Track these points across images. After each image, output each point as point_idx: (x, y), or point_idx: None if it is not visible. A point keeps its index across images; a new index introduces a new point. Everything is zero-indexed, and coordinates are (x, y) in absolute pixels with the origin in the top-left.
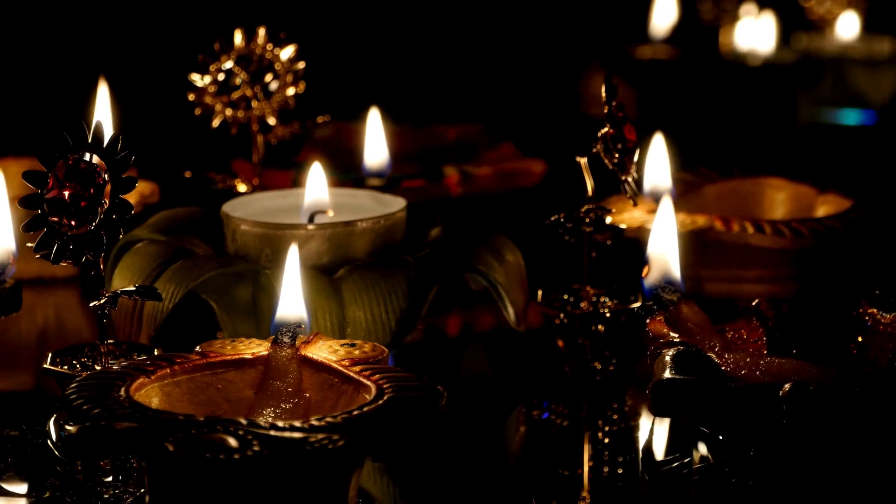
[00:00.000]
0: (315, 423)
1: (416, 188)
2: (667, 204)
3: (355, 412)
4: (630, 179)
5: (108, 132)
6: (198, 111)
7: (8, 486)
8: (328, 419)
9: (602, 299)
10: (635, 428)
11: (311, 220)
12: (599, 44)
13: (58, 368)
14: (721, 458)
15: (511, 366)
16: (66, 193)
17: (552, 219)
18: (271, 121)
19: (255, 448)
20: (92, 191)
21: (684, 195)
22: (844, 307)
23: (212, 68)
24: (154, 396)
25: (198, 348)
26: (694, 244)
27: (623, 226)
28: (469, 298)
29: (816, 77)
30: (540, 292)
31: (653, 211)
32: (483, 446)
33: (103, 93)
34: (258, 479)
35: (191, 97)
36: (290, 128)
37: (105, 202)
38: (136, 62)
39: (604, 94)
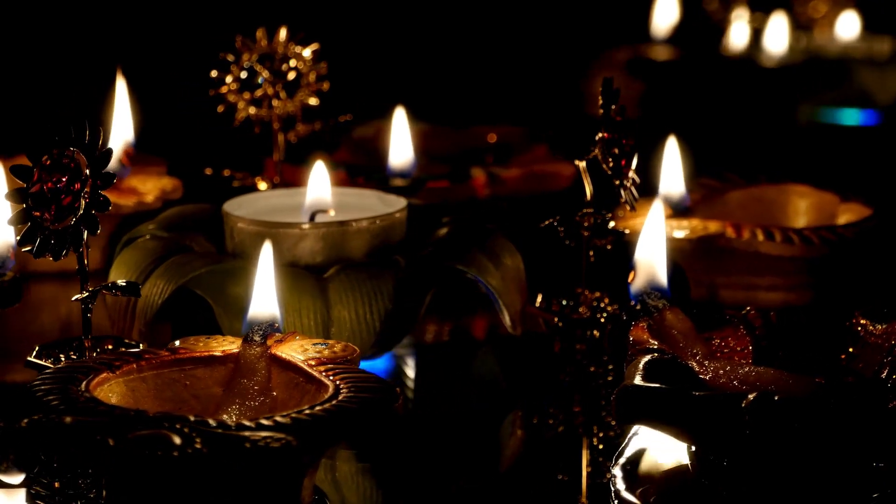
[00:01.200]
0: (264, 422)
1: (441, 189)
2: (657, 209)
3: (306, 411)
4: (628, 184)
5: (126, 125)
6: (220, 108)
7: (6, 478)
8: (277, 418)
9: (602, 304)
10: (631, 433)
11: (311, 218)
12: (608, 44)
13: (39, 361)
14: (696, 467)
15: (511, 370)
16: (46, 188)
17: (546, 223)
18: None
19: (197, 446)
20: (76, 186)
21: (707, 200)
22: (840, 317)
23: (233, 66)
24: (117, 391)
25: (177, 342)
26: (709, 251)
27: (626, 231)
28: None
29: (834, 78)
30: (540, 296)
31: (668, 216)
32: (479, 450)
33: (121, 87)
34: (205, 476)
35: (212, 93)
36: (312, 127)
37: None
38: (163, 59)
39: (600, 98)
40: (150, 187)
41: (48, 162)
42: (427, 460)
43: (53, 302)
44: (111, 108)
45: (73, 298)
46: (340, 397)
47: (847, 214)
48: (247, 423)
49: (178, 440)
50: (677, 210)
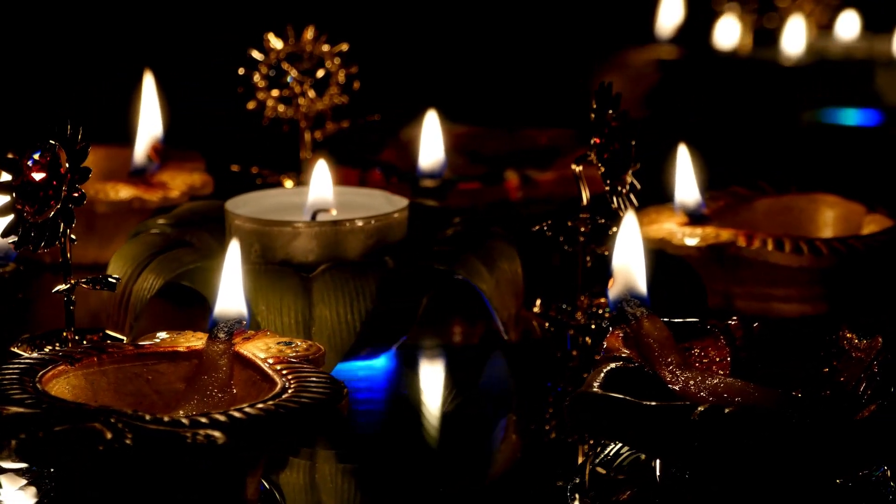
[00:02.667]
0: (200, 419)
1: (473, 191)
2: (631, 217)
3: (246, 409)
4: (623, 190)
5: (155, 121)
6: (250, 105)
7: (7, 465)
8: (214, 415)
9: (600, 311)
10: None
11: (313, 218)
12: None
13: (20, 352)
14: (659, 479)
15: (509, 374)
16: (26, 181)
17: (536, 227)
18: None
19: (127, 441)
20: (56, 181)
21: (734, 208)
22: (828, 330)
23: (261, 65)
24: (75, 384)
25: (160, 335)
26: (724, 260)
27: None
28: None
29: (852, 79)
30: (538, 301)
31: (684, 223)
32: (475, 455)
33: (149, 83)
34: (138, 470)
35: (240, 90)
36: (339, 125)
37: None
38: (197, 55)
39: (594, 103)
40: (178, 182)
41: (32, 156)
42: (422, 463)
43: (83, 294)
44: (139, 103)
45: (54, 290)
46: (284, 396)
47: (871, 225)
48: (182, 419)
49: (108, 434)
50: (693, 218)
